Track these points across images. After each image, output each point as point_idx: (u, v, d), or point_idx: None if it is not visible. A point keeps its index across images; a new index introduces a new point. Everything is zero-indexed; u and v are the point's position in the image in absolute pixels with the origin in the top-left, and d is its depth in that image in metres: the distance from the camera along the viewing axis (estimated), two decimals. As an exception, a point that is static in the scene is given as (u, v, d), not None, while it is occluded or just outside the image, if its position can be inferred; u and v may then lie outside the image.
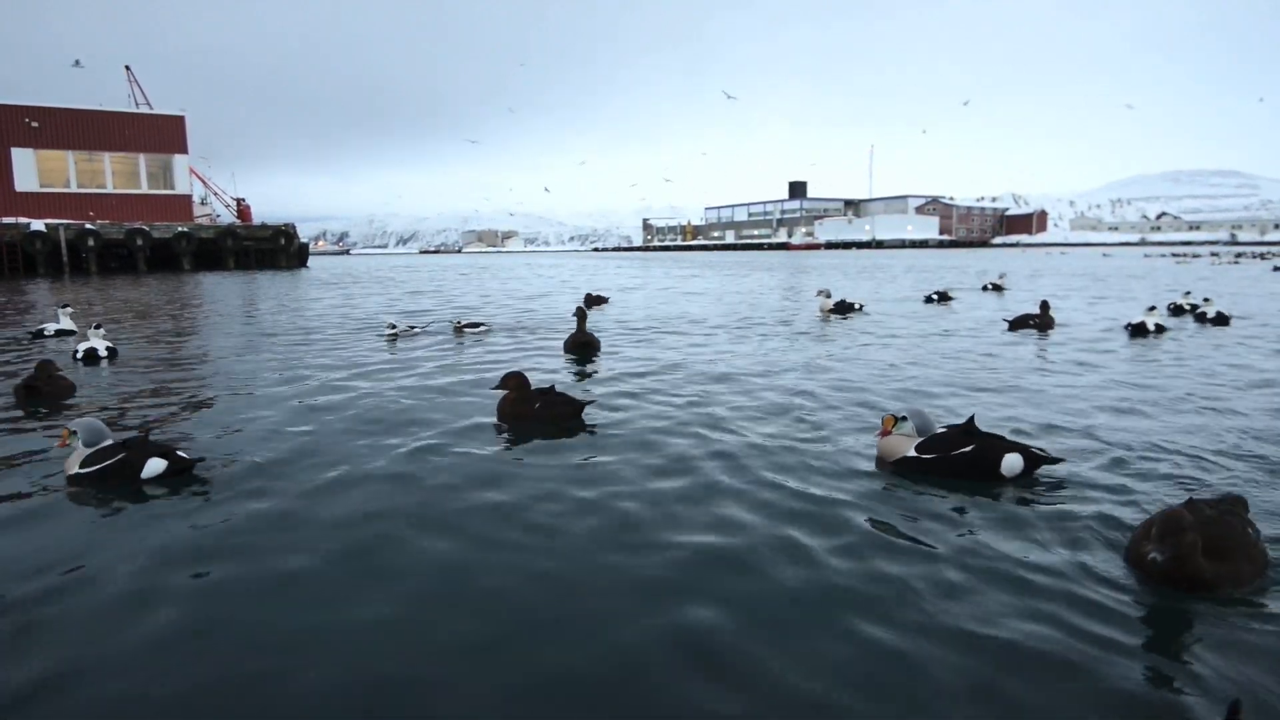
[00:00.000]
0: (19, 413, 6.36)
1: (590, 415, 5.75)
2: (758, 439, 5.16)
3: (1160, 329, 10.60)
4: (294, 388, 7.27)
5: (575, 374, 8.03)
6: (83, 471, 4.32)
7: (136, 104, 57.86)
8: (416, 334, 11.21)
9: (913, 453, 4.23)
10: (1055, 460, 4.23)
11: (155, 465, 4.31)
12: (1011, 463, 4.09)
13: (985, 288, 20.55)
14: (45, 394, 6.72)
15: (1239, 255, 53.87)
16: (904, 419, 4.35)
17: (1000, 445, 4.16)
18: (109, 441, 4.42)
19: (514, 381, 5.63)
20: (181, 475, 4.38)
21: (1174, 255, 58.78)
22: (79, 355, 8.93)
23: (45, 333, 11.52)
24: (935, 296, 16.69)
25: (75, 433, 4.42)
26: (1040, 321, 11.54)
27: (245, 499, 4.09)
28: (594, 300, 16.99)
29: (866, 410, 5.97)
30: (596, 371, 8.14)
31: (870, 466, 4.47)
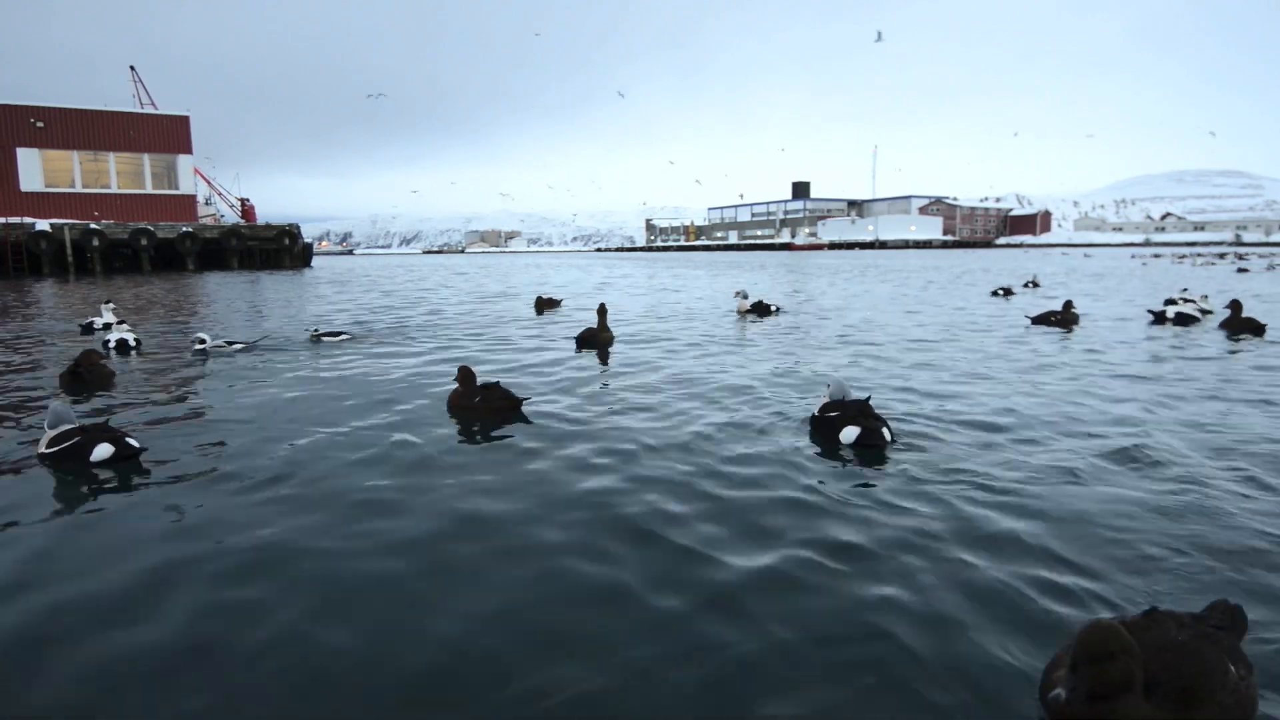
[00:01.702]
0: (65, 396, 7.08)
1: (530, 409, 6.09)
2: (659, 439, 5.27)
3: (1182, 319, 11.46)
4: (280, 380, 7.47)
5: (508, 369, 8.18)
6: (47, 451, 4.72)
7: (141, 104, 58.12)
8: (236, 351, 9.73)
9: (815, 412, 5.22)
10: (883, 440, 4.74)
11: (102, 450, 4.65)
12: (847, 434, 4.78)
13: (1025, 285, 22.09)
14: (89, 380, 7.32)
15: (1221, 255, 56.24)
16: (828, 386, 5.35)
17: (848, 419, 4.82)
18: (69, 426, 4.79)
19: (460, 375, 6.02)
20: (127, 461, 4.72)
21: (1153, 255, 61.04)
22: (111, 345, 9.67)
23: (94, 326, 12.36)
24: (1000, 292, 18.70)
25: (47, 415, 4.83)
26: (1062, 319, 11.78)
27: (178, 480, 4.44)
28: (545, 303, 15.94)
29: (761, 412, 6.03)
30: (570, 368, 8.38)
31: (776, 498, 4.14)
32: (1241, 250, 71.92)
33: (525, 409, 5.99)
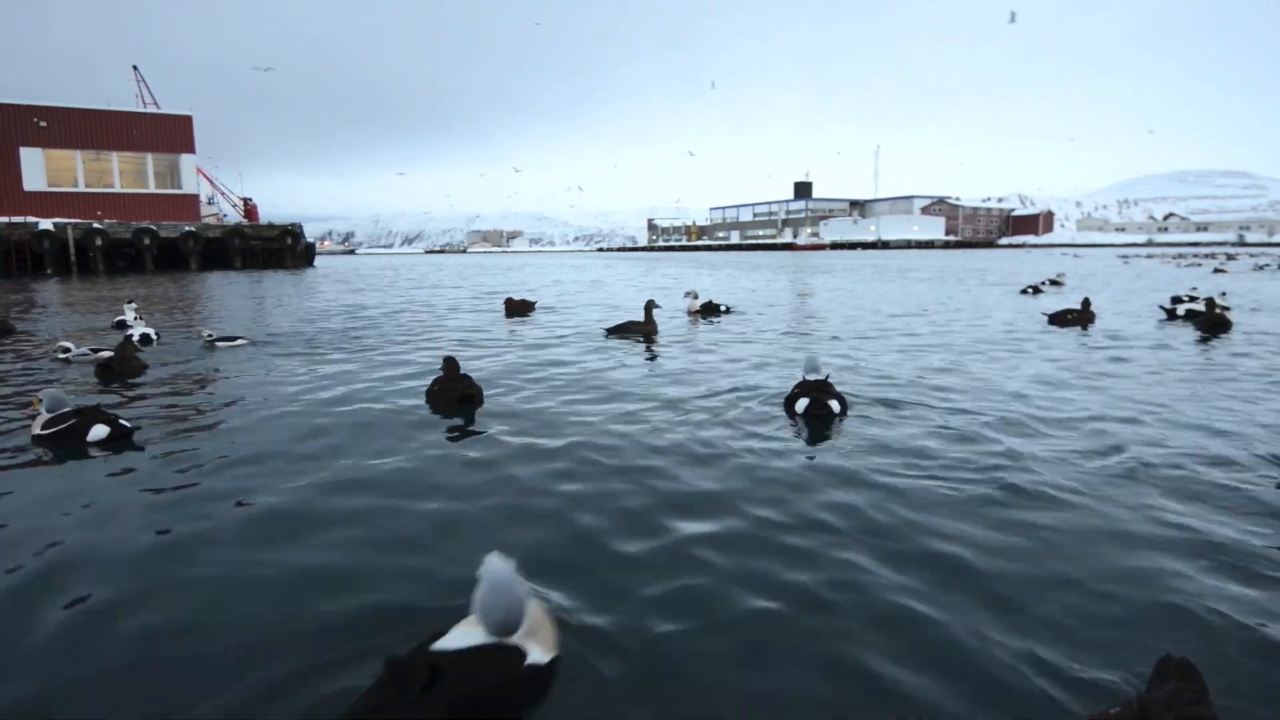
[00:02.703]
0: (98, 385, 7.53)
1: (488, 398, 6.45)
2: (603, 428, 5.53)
3: (1192, 315, 11.88)
4: (274, 376, 7.79)
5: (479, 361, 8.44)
6: (42, 433, 5.10)
7: (144, 104, 58.51)
8: (103, 359, 8.52)
9: (789, 388, 5.81)
10: (829, 411, 5.39)
11: (99, 430, 5.06)
12: (800, 404, 5.47)
13: (1045, 283, 22.41)
14: (117, 373, 7.78)
15: (1209, 255, 57.20)
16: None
17: (803, 393, 5.49)
18: (67, 409, 5.17)
19: (444, 365, 6.41)
20: (121, 440, 5.13)
21: (1146, 256, 62.12)
22: (135, 339, 10.17)
23: (127, 324, 12.68)
24: (1030, 290, 19.55)
25: (42, 400, 5.23)
26: (1080, 317, 11.91)
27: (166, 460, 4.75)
28: (517, 306, 14.94)
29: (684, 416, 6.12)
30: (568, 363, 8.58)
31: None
32: (1232, 251, 72.40)
33: (487, 398, 6.39)
